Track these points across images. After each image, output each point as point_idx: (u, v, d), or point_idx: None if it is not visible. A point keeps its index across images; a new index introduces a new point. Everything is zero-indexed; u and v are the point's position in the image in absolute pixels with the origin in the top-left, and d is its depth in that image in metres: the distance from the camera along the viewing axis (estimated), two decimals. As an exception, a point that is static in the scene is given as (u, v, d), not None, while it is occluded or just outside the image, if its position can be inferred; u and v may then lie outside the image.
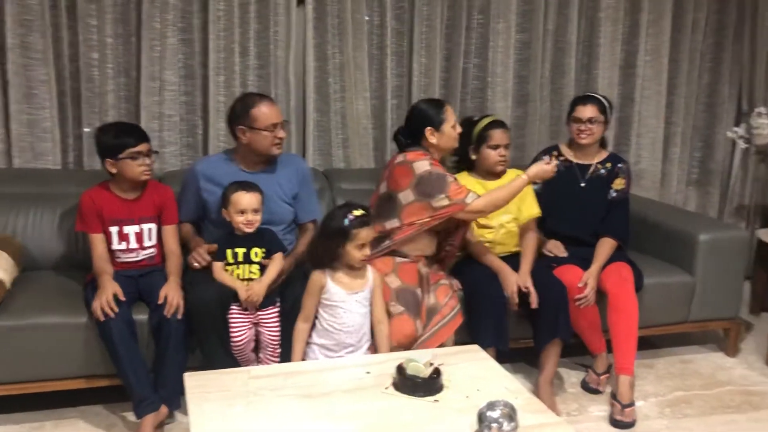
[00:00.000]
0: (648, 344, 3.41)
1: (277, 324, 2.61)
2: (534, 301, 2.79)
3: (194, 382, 2.17)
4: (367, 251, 2.46)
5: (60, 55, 3.29)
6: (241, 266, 2.62)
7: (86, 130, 3.33)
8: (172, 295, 2.55)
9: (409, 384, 2.14)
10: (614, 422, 2.75)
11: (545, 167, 2.76)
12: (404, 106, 3.85)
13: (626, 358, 2.84)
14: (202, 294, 2.55)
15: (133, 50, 3.40)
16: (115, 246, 2.70)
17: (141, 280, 2.67)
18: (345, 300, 2.48)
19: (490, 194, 2.77)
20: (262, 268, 2.63)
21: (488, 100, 3.91)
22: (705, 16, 4.22)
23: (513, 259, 2.94)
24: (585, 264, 2.97)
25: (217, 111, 3.48)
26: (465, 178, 3.07)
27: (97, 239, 2.66)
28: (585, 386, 3.05)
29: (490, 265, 2.91)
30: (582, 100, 3.18)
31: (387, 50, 3.73)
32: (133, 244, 2.71)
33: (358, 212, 2.43)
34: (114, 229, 2.68)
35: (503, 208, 2.89)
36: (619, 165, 3.20)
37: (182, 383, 2.26)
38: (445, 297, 2.80)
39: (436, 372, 2.17)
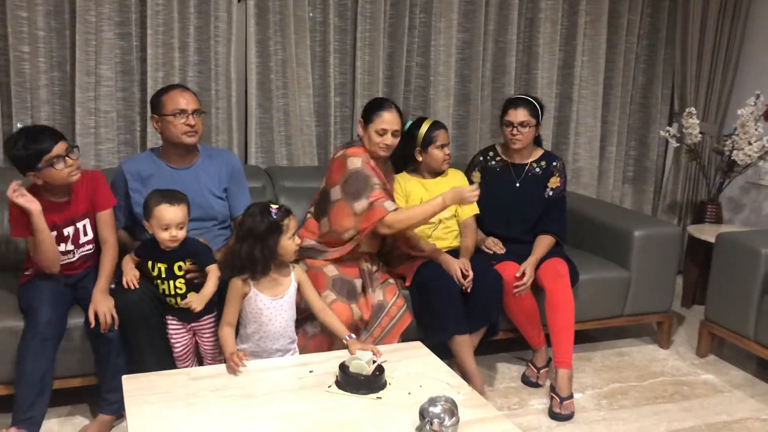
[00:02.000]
0: (586, 338, 3.50)
1: (213, 332, 2.55)
2: (468, 286, 2.83)
3: (133, 384, 2.13)
4: (298, 240, 2.41)
5: (-12, 48, 3.17)
6: (165, 282, 2.49)
7: (19, 125, 3.20)
8: (102, 311, 2.44)
9: (352, 382, 2.14)
10: (553, 415, 2.81)
11: (466, 194, 2.66)
12: (348, 104, 3.86)
13: (564, 351, 2.90)
14: (131, 296, 2.48)
15: (67, 44, 3.30)
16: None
17: (78, 285, 2.58)
18: (269, 306, 2.38)
19: (407, 211, 2.75)
20: (188, 281, 2.50)
21: (431, 98, 3.94)
22: (639, 18, 4.35)
23: (452, 255, 2.97)
24: (522, 260, 3.01)
25: (150, 102, 3.39)
26: (405, 178, 3.12)
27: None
28: (525, 380, 3.11)
29: (428, 254, 2.94)
30: (513, 103, 3.18)
31: (330, 47, 3.72)
32: (69, 246, 2.60)
33: (275, 205, 2.38)
34: (53, 234, 2.56)
35: None
36: (554, 163, 3.24)
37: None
38: (392, 296, 2.84)
39: (379, 369, 2.18)
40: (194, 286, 2.50)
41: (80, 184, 2.57)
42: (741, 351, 3.43)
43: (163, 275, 2.48)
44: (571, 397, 2.85)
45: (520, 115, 3.13)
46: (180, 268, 2.49)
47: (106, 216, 2.63)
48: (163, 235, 2.41)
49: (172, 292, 2.50)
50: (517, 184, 3.23)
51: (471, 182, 3.25)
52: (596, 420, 2.80)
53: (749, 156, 3.80)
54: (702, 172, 4.34)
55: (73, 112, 3.31)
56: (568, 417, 2.80)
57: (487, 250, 3.17)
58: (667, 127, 4.20)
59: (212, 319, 2.57)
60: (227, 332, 2.35)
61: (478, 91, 4.04)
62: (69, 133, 3.27)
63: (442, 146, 3.09)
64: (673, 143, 4.17)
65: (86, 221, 2.61)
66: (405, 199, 3.08)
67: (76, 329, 2.53)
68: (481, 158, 3.35)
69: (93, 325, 2.43)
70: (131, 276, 2.49)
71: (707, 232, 3.88)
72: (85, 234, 2.62)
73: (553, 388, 2.89)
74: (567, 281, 2.97)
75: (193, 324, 2.56)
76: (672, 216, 4.58)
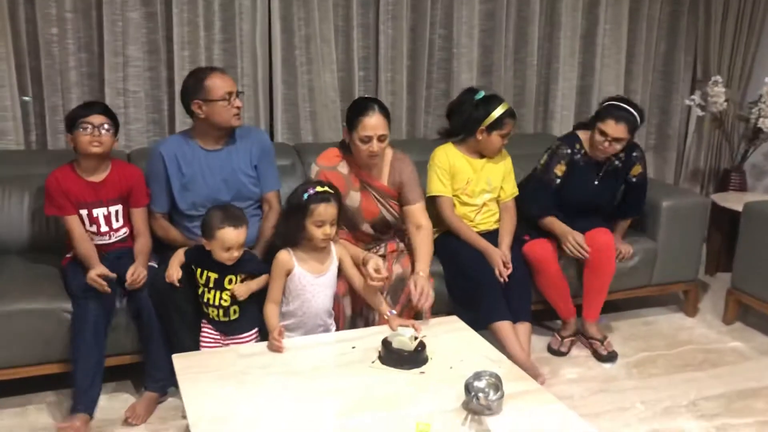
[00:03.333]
0: (613, 307, 3.54)
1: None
2: (504, 276, 2.89)
3: (184, 363, 2.19)
4: (327, 230, 2.37)
5: (18, 31, 3.18)
6: (212, 291, 2.46)
7: (25, 99, 3.25)
8: (138, 272, 2.53)
9: (395, 357, 2.20)
10: (601, 358, 3.07)
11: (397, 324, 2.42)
12: (371, 78, 3.86)
13: (594, 309, 3.14)
14: (162, 274, 2.51)
15: (93, 25, 3.31)
16: (87, 228, 2.65)
17: (117, 263, 2.62)
18: (313, 284, 2.44)
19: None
20: (233, 295, 2.47)
21: (454, 71, 3.94)
22: (662, -16, 4.31)
23: (489, 236, 3.03)
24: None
25: (187, 87, 3.41)
26: (453, 152, 3.08)
27: (73, 221, 2.61)
28: (550, 350, 3.16)
29: (473, 243, 2.97)
30: (615, 116, 2.95)
31: (353, 22, 3.71)
32: (104, 227, 2.68)
33: (320, 188, 2.38)
34: (83, 212, 2.64)
35: (482, 187, 3.04)
36: (634, 154, 3.17)
37: (171, 363, 2.30)
38: (408, 264, 2.83)
39: (421, 345, 2.23)
40: (239, 302, 2.48)
41: (115, 171, 2.69)
42: (766, 317, 3.46)
43: (211, 285, 2.45)
44: (606, 337, 3.13)
45: (619, 131, 2.97)
46: (231, 281, 2.45)
47: (140, 212, 2.73)
48: (224, 255, 2.39)
49: (216, 303, 2.46)
50: (596, 182, 3.17)
51: (555, 175, 3.12)
52: (628, 389, 2.85)
53: (775, 123, 3.80)
54: (726, 140, 4.33)
55: (103, 93, 3.33)
56: (614, 355, 3.07)
57: (570, 250, 3.04)
58: (692, 96, 4.19)
59: (254, 336, 2.51)
60: (272, 309, 2.41)
61: (501, 61, 4.02)
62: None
63: (504, 136, 3.03)
64: (699, 112, 4.16)
65: (119, 207, 2.70)
66: (450, 176, 3.04)
67: (120, 310, 2.60)
68: (568, 151, 3.14)
69: (129, 282, 2.50)
70: (175, 275, 2.47)
71: (732, 201, 3.89)
72: (118, 220, 2.70)
73: (587, 337, 3.15)
74: (613, 252, 3.10)
75: (231, 339, 2.50)
76: (695, 183, 4.59)
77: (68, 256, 2.70)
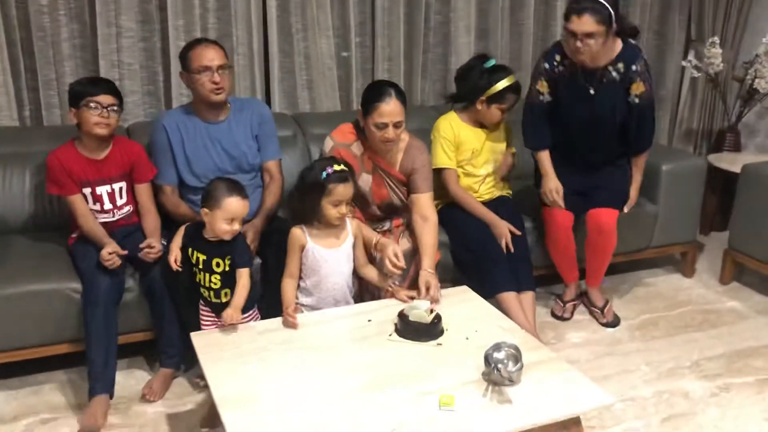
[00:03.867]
0: (612, 270, 3.58)
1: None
2: (510, 246, 2.91)
3: (203, 341, 2.20)
4: (343, 209, 2.37)
5: (7, 2, 3.09)
6: (202, 273, 2.40)
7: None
8: (153, 245, 2.53)
9: (412, 330, 2.23)
10: (604, 324, 3.14)
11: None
12: (368, 44, 3.81)
13: (596, 277, 3.20)
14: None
15: (84, -6, 3.23)
16: (90, 206, 2.63)
17: (125, 242, 2.60)
18: (327, 259, 2.43)
19: None
20: (224, 277, 2.39)
21: (451, 35, 3.90)
22: (656, -58, 4.27)
23: (492, 204, 3.05)
24: (578, 202, 3.01)
25: (178, 57, 3.36)
26: (457, 122, 3.05)
27: (77, 199, 2.58)
28: (553, 315, 3.22)
29: (479, 215, 2.97)
30: (576, 9, 2.67)
31: (349, -13, 3.65)
32: (108, 205, 2.66)
33: (338, 167, 2.37)
34: (87, 191, 2.61)
35: (486, 158, 3.04)
36: (633, 67, 2.80)
37: (184, 340, 2.32)
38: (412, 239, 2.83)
39: (437, 317, 2.26)
40: (230, 283, 2.38)
41: (117, 148, 2.67)
42: (762, 277, 3.53)
43: (201, 266, 2.39)
44: (607, 303, 3.20)
45: (584, 24, 2.63)
46: (218, 264, 2.38)
47: (145, 188, 2.71)
48: (224, 227, 2.31)
49: (207, 284, 2.41)
50: (592, 91, 2.86)
51: (539, 92, 2.97)
52: (632, 351, 2.92)
53: (772, 84, 3.82)
54: (722, 100, 4.35)
55: (97, 65, 3.26)
56: (615, 321, 3.15)
57: (545, 198, 3.01)
58: (689, 57, 4.19)
59: (253, 316, 2.46)
60: (288, 284, 2.42)
61: (497, 25, 3.99)
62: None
63: (504, 110, 2.98)
64: (695, 74, 4.17)
65: (123, 184, 2.68)
66: (455, 147, 3.01)
67: (131, 289, 2.60)
68: (546, 65, 2.92)
69: (143, 252, 2.50)
70: (173, 257, 2.43)
71: (727, 161, 3.94)
72: (122, 197, 2.68)
73: (589, 304, 3.22)
74: (613, 235, 3.02)
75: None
76: (688, 143, 4.62)
77: (74, 236, 2.67)
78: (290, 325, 2.27)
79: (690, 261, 3.63)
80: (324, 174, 2.35)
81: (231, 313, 2.26)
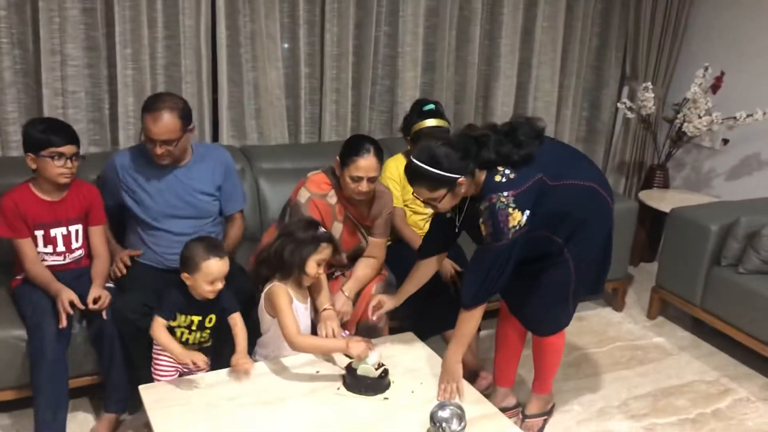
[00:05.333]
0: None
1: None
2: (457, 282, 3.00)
3: (151, 395, 2.22)
4: (321, 269, 2.46)
5: (-54, 28, 3.00)
6: (193, 333, 2.40)
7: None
8: (102, 295, 2.52)
9: (359, 384, 2.30)
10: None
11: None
12: (317, 75, 3.84)
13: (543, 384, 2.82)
14: (128, 300, 2.53)
15: (28, 21, 3.15)
16: (41, 249, 2.59)
17: (73, 284, 2.56)
18: (302, 313, 2.51)
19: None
20: (213, 331, 2.44)
21: (399, 69, 3.97)
22: (596, -18, 4.44)
23: None
24: None
25: (126, 85, 3.33)
26: (400, 160, 3.14)
27: (26, 244, 2.53)
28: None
29: None
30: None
31: (299, 19, 3.67)
32: (60, 247, 2.62)
33: (324, 229, 2.48)
34: (39, 233, 2.56)
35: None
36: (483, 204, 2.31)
37: (130, 383, 2.37)
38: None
39: (385, 372, 2.34)
40: (215, 333, 2.45)
41: (75, 191, 2.62)
42: (686, 313, 3.74)
43: (194, 327, 2.39)
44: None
45: (419, 194, 2.34)
46: (210, 320, 2.40)
47: (99, 230, 2.69)
48: (207, 288, 2.32)
49: (196, 342, 2.41)
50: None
51: None
52: (566, 390, 3.07)
53: (698, 128, 4.04)
54: (653, 140, 4.57)
55: (40, 93, 3.19)
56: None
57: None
58: (623, 99, 4.40)
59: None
60: (303, 337, 2.42)
61: (444, 59, 4.08)
62: (36, 114, 3.18)
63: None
64: (629, 115, 4.38)
65: (79, 227, 2.64)
66: (401, 187, 3.09)
67: (77, 334, 2.56)
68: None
69: (91, 305, 2.47)
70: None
71: (656, 199, 4.15)
72: (77, 240, 2.65)
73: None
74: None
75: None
76: (620, 175, 4.84)
77: (18, 278, 2.62)
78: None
79: (620, 295, 3.82)
80: (320, 230, 2.44)
81: (243, 361, 2.32)
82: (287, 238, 2.45)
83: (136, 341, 2.50)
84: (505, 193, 2.23)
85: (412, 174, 2.29)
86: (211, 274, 2.31)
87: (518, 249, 2.30)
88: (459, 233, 2.56)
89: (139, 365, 2.51)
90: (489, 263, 2.30)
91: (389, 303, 2.68)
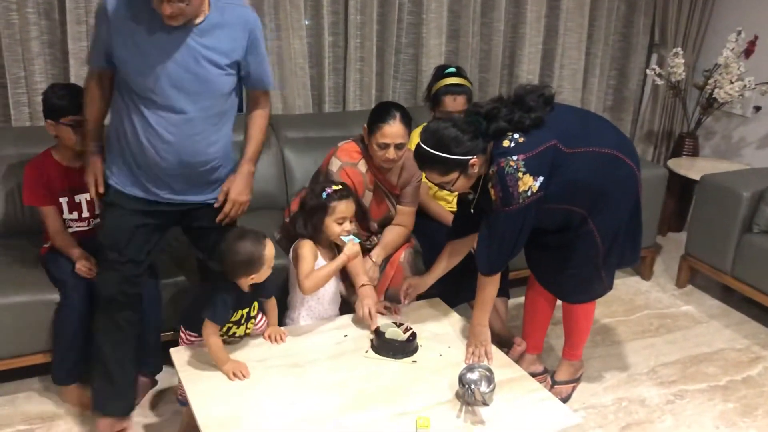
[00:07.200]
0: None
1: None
2: None
3: (182, 357, 2.24)
4: (347, 226, 2.43)
5: (-27, -2, 3.01)
6: (242, 326, 2.29)
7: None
8: None
9: (387, 347, 2.30)
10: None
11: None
12: (341, 44, 3.82)
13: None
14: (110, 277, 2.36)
15: (53, -10, 3.16)
16: (66, 216, 2.62)
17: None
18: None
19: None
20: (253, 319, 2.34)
21: (423, 36, 3.93)
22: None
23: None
24: None
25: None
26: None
27: (50, 212, 2.56)
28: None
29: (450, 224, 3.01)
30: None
31: (322, -13, 3.65)
32: (85, 213, 2.64)
33: (336, 186, 2.44)
34: (64, 200, 2.59)
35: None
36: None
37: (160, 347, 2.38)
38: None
39: (413, 335, 2.34)
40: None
41: None
42: (715, 281, 3.70)
43: (243, 321, 2.28)
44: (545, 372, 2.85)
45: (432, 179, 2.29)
46: (254, 308, 2.31)
47: None
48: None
49: (242, 333, 2.32)
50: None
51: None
52: (594, 357, 3.05)
53: (730, 94, 3.96)
54: (683, 108, 4.49)
55: (67, 63, 3.21)
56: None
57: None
58: (652, 65, 4.30)
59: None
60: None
61: (468, 27, 4.03)
62: (63, 85, 3.20)
63: (458, 103, 3.00)
64: (658, 81, 4.29)
65: None
66: None
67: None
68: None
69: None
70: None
71: (685, 167, 4.08)
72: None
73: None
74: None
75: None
76: (649, 144, 4.77)
77: (46, 246, 2.66)
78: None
79: (648, 264, 3.78)
80: (324, 194, 2.41)
81: (278, 334, 2.35)
82: (299, 212, 2.47)
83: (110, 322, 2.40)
84: (515, 157, 2.16)
85: (422, 159, 2.23)
86: (262, 276, 2.20)
87: (532, 216, 2.24)
88: (479, 213, 2.43)
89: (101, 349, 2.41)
90: (501, 230, 2.25)
91: (420, 286, 2.65)
